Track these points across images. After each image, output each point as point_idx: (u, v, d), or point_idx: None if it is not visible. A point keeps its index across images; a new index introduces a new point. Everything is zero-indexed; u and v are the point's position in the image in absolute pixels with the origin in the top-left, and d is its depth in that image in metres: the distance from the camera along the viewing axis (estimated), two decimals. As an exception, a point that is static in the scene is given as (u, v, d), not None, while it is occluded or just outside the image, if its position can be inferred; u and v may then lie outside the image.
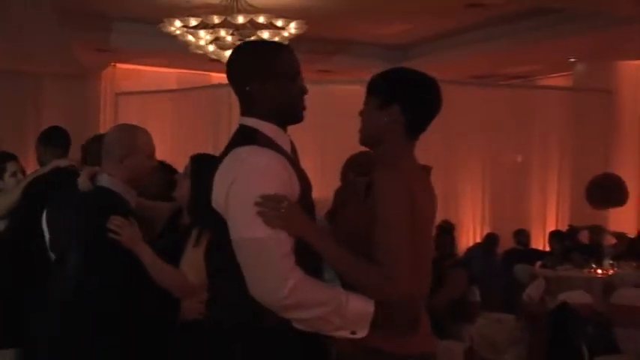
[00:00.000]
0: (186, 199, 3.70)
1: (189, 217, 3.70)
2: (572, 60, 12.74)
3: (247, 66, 2.72)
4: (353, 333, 2.57)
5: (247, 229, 2.53)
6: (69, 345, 3.43)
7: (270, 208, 2.49)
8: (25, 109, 13.29)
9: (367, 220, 2.63)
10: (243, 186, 2.54)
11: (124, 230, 3.40)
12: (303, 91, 2.75)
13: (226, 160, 2.64)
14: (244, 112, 2.74)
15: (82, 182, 3.68)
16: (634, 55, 12.16)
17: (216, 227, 2.66)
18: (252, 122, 2.70)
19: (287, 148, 2.73)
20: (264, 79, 2.68)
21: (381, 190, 2.62)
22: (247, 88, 2.70)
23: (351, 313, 2.54)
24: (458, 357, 5.66)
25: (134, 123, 3.91)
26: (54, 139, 5.08)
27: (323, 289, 2.55)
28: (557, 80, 14.27)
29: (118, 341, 3.40)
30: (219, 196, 2.62)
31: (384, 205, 2.60)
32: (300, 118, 2.77)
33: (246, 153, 2.60)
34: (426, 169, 2.87)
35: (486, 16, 11.07)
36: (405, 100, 2.74)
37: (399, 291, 2.57)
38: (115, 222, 3.39)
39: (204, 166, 3.58)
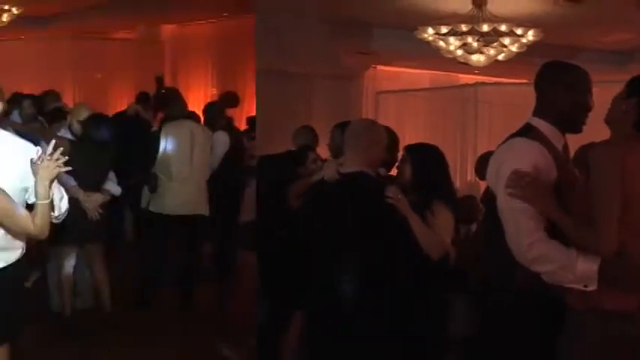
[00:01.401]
0: (409, 180, 4.07)
1: (414, 193, 4.00)
2: None
3: (547, 76, 3.15)
4: (585, 286, 2.86)
5: (505, 199, 2.97)
6: None
7: (515, 182, 2.90)
8: (297, 106, 13.98)
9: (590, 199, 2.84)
10: (506, 167, 2.98)
11: (400, 198, 3.80)
12: (587, 108, 3.11)
13: (502, 146, 3.12)
14: (534, 113, 3.17)
15: (331, 173, 4.00)
16: None
17: (489, 199, 3.12)
18: (535, 121, 3.13)
19: (558, 145, 3.11)
20: (556, 87, 3.09)
21: (593, 161, 2.83)
22: (544, 93, 3.14)
23: (579, 271, 2.86)
24: None
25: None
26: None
27: (558, 250, 2.90)
28: None
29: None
30: (491, 174, 3.10)
31: (594, 173, 2.80)
32: (577, 129, 3.14)
33: (516, 142, 3.06)
34: None
35: None
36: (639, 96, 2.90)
37: (607, 248, 2.80)
38: (393, 191, 3.80)
39: (419, 153, 4.13)
